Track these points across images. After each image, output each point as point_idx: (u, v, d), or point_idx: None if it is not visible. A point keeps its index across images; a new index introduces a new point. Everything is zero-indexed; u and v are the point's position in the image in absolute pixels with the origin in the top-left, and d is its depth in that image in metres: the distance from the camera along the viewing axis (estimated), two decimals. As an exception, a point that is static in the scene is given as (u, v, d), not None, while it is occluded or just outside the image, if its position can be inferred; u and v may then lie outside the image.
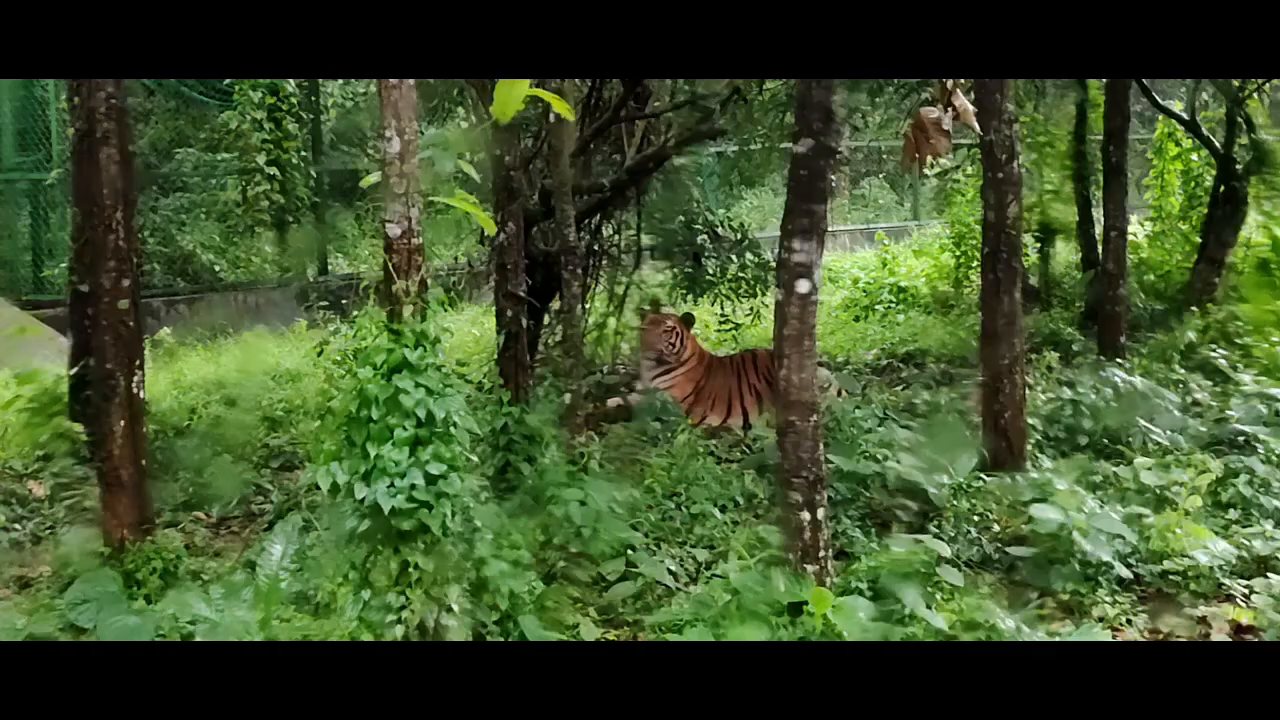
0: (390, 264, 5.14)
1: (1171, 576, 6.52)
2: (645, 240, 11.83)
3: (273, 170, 16.14)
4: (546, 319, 10.56)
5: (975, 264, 13.45)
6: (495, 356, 8.41)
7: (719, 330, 12.01)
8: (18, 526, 7.68)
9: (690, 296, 11.70)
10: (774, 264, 11.11)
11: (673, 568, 6.74)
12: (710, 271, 11.67)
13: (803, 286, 5.81)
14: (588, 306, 11.24)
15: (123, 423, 6.47)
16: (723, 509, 7.60)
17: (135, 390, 6.52)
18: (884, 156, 23.85)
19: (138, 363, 6.57)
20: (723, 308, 11.68)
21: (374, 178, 5.29)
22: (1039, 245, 14.01)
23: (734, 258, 11.67)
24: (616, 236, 11.85)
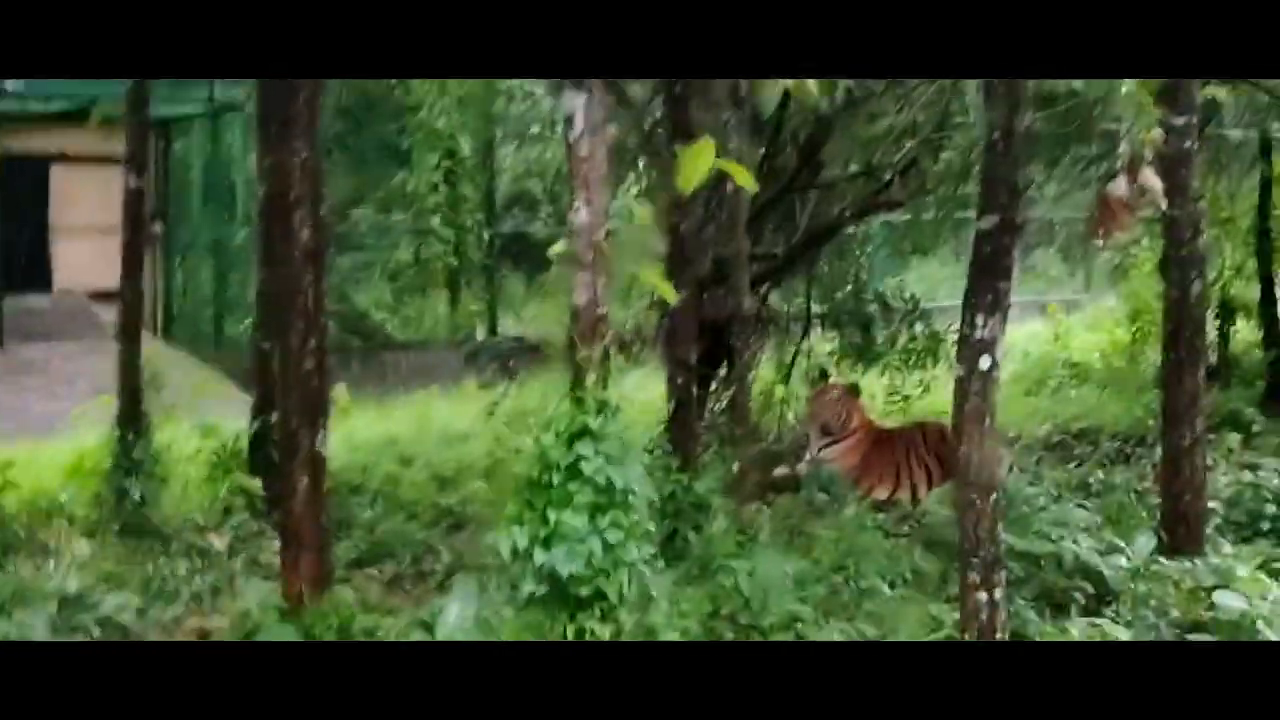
0: (574, 332, 5.19)
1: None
2: (814, 309, 11.80)
3: (446, 232, 16.47)
4: (713, 385, 10.57)
5: (1151, 339, 13.20)
6: (662, 421, 8.45)
7: (887, 401, 11.89)
8: (198, 579, 7.85)
9: (859, 366, 11.63)
10: (944, 335, 11.12)
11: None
12: (879, 341, 11.61)
13: (984, 363, 5.75)
14: (755, 374, 11.23)
15: (305, 480, 6.60)
16: (892, 585, 7.49)
17: (318, 448, 6.65)
18: (1056, 227, 23.51)
19: (321, 421, 6.70)
20: (892, 379, 11.58)
21: (561, 246, 5.35)
22: (1219, 322, 13.69)
23: (904, 328, 11.60)
24: (785, 305, 11.83)
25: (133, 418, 8.83)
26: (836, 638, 6.66)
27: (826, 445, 10.23)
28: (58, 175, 19.50)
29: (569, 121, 5.23)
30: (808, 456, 10.36)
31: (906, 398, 11.62)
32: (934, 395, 11.49)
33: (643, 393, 12.50)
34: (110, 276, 9.34)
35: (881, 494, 9.93)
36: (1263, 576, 6.88)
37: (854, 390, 10.48)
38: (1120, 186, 6.42)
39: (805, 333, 11.81)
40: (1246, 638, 6.32)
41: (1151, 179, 6.37)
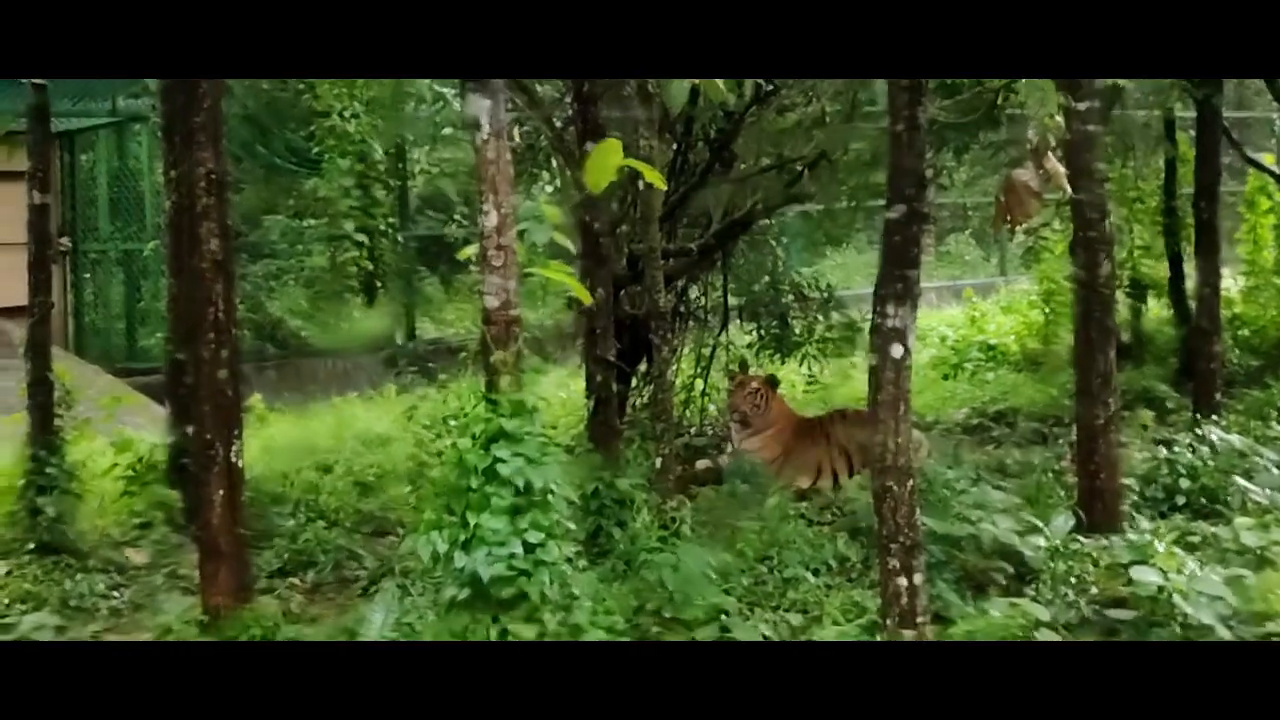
0: (488, 335, 5.19)
1: (1275, 638, 6.38)
2: (731, 301, 11.84)
3: (360, 237, 16.37)
4: (634, 381, 10.59)
5: (1065, 320, 13.35)
6: (584, 420, 8.45)
7: (806, 391, 11.95)
8: (117, 594, 7.76)
9: (777, 357, 11.68)
10: (860, 324, 11.21)
11: (767, 633, 6.67)
12: (796, 332, 11.67)
13: (897, 351, 5.79)
14: (675, 368, 11.25)
15: (222, 491, 6.55)
16: (815, 573, 7.53)
17: (234, 459, 6.60)
18: (969, 213, 23.76)
19: (236, 432, 6.65)
20: (810, 368, 11.64)
21: (471, 250, 5.35)
22: (1130, 302, 13.87)
23: (820, 318, 11.67)
24: (703, 298, 11.86)
25: (45, 434, 8.70)
26: (762, 628, 6.69)
27: (748, 437, 10.28)
28: (-39, 194, 19.14)
29: (475, 125, 5.23)
30: (729, 449, 10.41)
31: (825, 386, 11.68)
32: (853, 383, 11.57)
33: (564, 391, 12.53)
34: (18, 293, 9.21)
35: (804, 483, 9.99)
36: (1178, 551, 6.97)
37: (772, 381, 10.53)
38: (1025, 172, 6.49)
39: (723, 325, 11.84)
40: (1164, 612, 6.40)
41: (1055, 164, 6.45)
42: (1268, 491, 8.50)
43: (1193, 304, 12.05)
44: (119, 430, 9.96)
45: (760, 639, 6.53)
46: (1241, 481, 8.62)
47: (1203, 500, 8.56)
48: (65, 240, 15.60)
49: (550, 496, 5.18)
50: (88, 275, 16.86)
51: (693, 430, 11.56)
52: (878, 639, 5.82)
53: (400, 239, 17.29)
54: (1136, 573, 6.61)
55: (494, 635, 5.10)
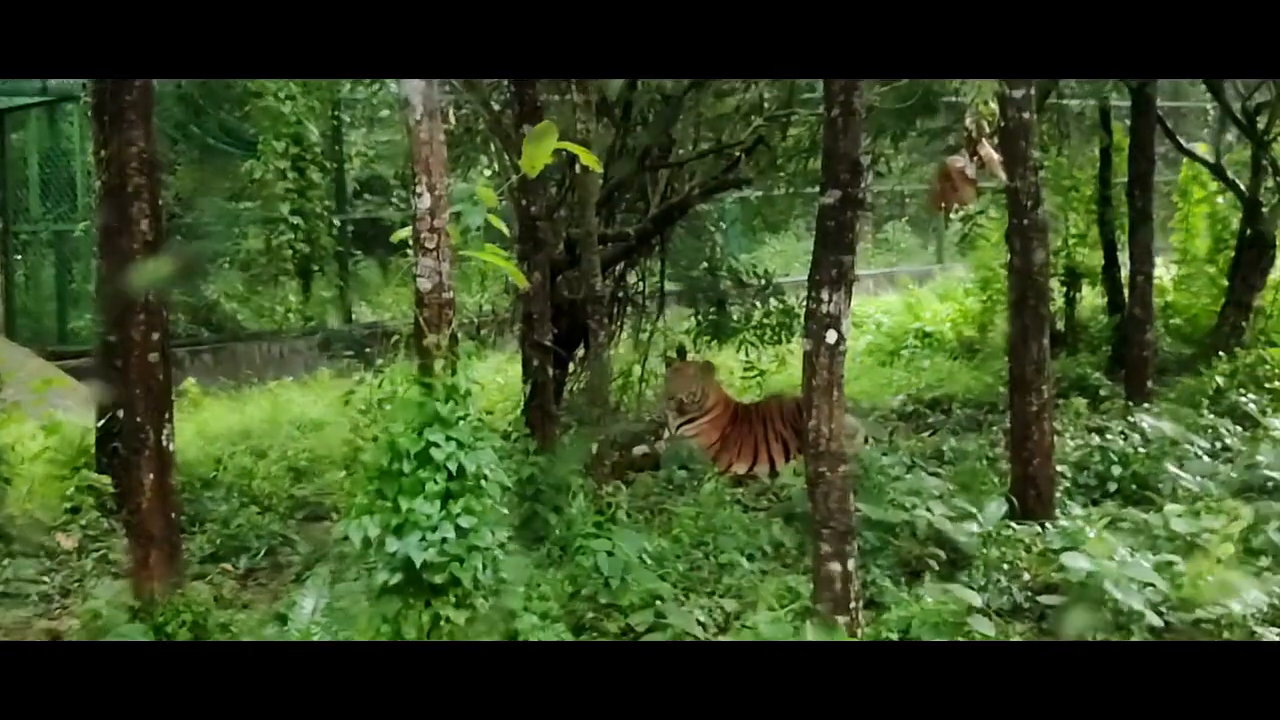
0: (421, 318, 5.16)
1: (1204, 625, 6.44)
2: (669, 287, 11.83)
3: (296, 219, 16.17)
4: (571, 367, 10.56)
5: (1001, 308, 13.44)
6: (521, 405, 8.42)
7: (744, 377, 11.97)
8: (46, 580, 7.66)
9: (715, 343, 11.69)
10: (798, 310, 11.23)
11: (702, 618, 6.67)
12: (734, 318, 11.68)
13: (831, 337, 5.82)
14: (612, 354, 11.22)
15: (152, 476, 6.47)
16: (751, 558, 7.55)
17: (165, 443, 6.52)
18: (907, 200, 23.85)
19: (167, 415, 6.57)
20: (748, 354, 11.66)
21: (404, 232, 5.31)
22: (1064, 290, 13.97)
23: (758, 304, 11.68)
24: (641, 284, 11.85)
25: (-27, 418, 8.58)
26: (697, 613, 6.70)
27: (685, 422, 10.30)
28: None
29: (408, 106, 5.19)
30: (666, 434, 10.41)
31: (763, 372, 11.70)
32: (790, 369, 11.59)
33: (500, 376, 12.47)
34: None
35: (740, 469, 10.03)
36: (1109, 537, 7.03)
37: (709, 367, 10.55)
38: (960, 159, 6.52)
39: (661, 311, 11.83)
40: (1094, 597, 6.45)
41: (990, 151, 6.48)
42: (1198, 479, 8.59)
43: (1126, 292, 12.16)
44: (49, 413, 9.80)
45: (695, 624, 6.54)
46: (1173, 469, 8.72)
47: (1134, 487, 8.65)
48: (-5, 221, 15.39)
49: (484, 482, 5.16)
50: (19, 257, 16.61)
51: (630, 416, 11.54)
52: (809, 624, 5.82)
53: (336, 222, 17.12)
54: (1068, 559, 6.66)
55: (426, 620, 5.08)
